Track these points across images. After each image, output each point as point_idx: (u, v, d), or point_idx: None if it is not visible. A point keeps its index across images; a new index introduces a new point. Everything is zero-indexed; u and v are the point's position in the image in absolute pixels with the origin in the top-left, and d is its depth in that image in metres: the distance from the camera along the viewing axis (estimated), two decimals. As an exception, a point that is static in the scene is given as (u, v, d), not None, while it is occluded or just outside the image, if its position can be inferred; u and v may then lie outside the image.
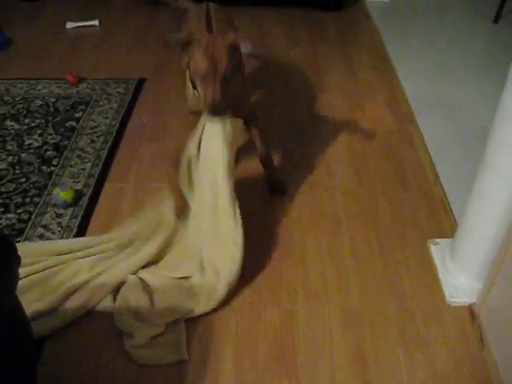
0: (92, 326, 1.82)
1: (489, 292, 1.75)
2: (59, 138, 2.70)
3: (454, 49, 3.63)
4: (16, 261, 1.29)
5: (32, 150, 2.60)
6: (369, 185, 2.43)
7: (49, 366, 1.69)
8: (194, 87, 1.92)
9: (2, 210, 2.25)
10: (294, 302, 1.90)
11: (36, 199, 2.30)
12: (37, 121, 2.82)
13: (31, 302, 1.78)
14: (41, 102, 2.97)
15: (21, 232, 2.14)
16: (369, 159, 2.59)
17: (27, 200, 2.30)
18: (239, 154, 2.33)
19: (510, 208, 1.67)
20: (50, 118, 2.84)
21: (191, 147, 1.96)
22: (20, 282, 1.51)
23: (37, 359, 1.67)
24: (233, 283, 1.88)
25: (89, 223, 2.20)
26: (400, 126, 2.84)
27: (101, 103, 2.98)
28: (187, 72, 2.00)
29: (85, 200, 2.31)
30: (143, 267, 1.98)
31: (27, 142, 2.66)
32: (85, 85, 3.15)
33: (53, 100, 3.00)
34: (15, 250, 1.28)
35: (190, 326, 1.80)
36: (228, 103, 1.79)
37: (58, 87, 3.12)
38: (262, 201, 2.34)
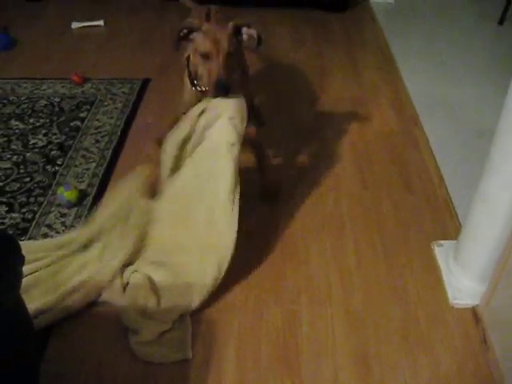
0: (95, 325, 1.82)
1: (492, 294, 1.75)
2: (64, 137, 2.70)
3: (458, 50, 3.63)
4: (20, 260, 1.29)
5: (37, 150, 2.61)
6: (373, 186, 2.43)
7: (52, 363, 1.69)
8: (193, 84, 2.00)
9: (7, 209, 2.25)
10: (297, 303, 1.90)
11: (40, 199, 2.31)
12: (41, 120, 2.83)
13: (32, 299, 1.79)
14: (46, 102, 2.98)
15: (25, 231, 2.14)
16: (373, 161, 2.59)
17: (31, 199, 2.30)
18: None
19: (514, 210, 1.67)
20: (55, 118, 2.85)
21: (183, 128, 1.97)
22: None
23: (40, 357, 1.67)
24: (220, 275, 1.87)
25: (93, 223, 2.20)
26: (404, 128, 2.84)
27: (105, 103, 2.99)
28: (185, 71, 2.06)
29: (89, 200, 2.31)
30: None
31: (32, 142, 2.66)
32: (90, 85, 3.16)
33: (58, 100, 3.01)
34: (19, 249, 1.29)
35: (194, 326, 1.80)
36: (231, 80, 1.89)
37: (63, 87, 3.13)
38: (265, 203, 2.34)
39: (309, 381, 1.67)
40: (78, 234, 2.05)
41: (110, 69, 3.34)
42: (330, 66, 3.42)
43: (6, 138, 2.69)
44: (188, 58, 2.03)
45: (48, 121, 2.83)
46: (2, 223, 2.18)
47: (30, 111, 2.90)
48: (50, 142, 2.66)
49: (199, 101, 1.98)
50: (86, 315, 1.84)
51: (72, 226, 2.17)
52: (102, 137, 2.71)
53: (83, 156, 2.57)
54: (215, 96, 1.90)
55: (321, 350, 1.75)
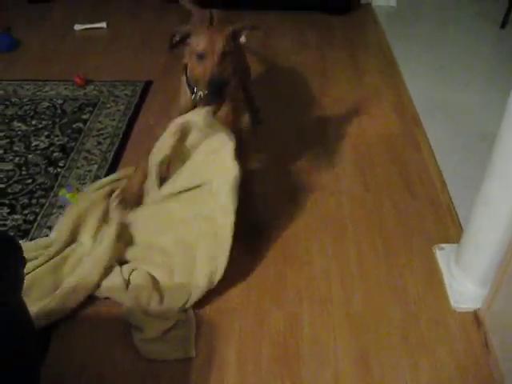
0: (95, 325, 1.82)
1: (494, 298, 1.75)
2: (66, 139, 2.71)
3: (460, 53, 3.63)
4: (21, 262, 1.30)
5: (39, 152, 2.61)
6: (375, 189, 2.43)
7: (52, 365, 1.69)
8: (192, 91, 2.01)
9: (9, 210, 2.26)
10: (298, 305, 1.90)
11: (42, 200, 2.31)
12: (44, 122, 2.84)
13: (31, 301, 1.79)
14: (48, 104, 2.99)
15: (26, 233, 2.15)
16: (375, 163, 2.59)
17: (33, 201, 2.31)
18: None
19: (516, 214, 1.67)
20: (57, 120, 2.86)
21: (171, 134, 2.00)
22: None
23: (42, 360, 1.67)
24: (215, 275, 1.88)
25: (94, 225, 2.20)
26: (406, 130, 2.84)
27: (108, 105, 2.99)
28: (183, 76, 2.07)
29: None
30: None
31: (34, 144, 2.67)
32: (92, 87, 3.16)
33: (60, 102, 3.01)
34: (20, 251, 1.29)
35: (195, 327, 1.80)
36: (226, 80, 1.90)
37: (66, 89, 3.14)
38: (266, 203, 2.34)
39: (309, 382, 1.66)
40: (58, 234, 2.06)
41: (113, 71, 3.35)
42: (331, 68, 3.43)
43: (8, 140, 2.69)
44: (186, 65, 2.04)
45: (50, 123, 2.83)
46: (4, 225, 2.18)
47: (32, 113, 2.91)
48: (52, 144, 2.67)
49: (194, 107, 2.00)
50: (85, 315, 1.84)
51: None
52: (104, 139, 2.71)
53: (85, 158, 2.57)
54: (210, 94, 1.90)
55: (321, 352, 1.75)
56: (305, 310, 1.88)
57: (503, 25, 3.94)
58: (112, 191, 2.22)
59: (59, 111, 2.93)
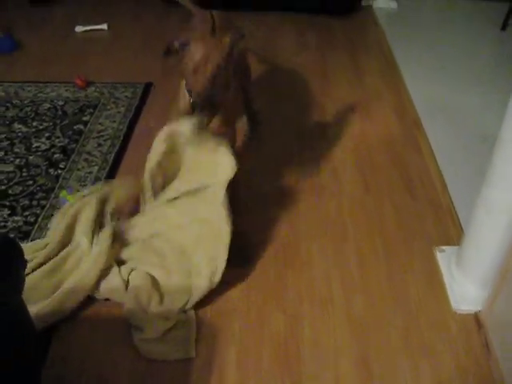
0: (95, 325, 1.82)
1: (494, 300, 1.75)
2: (67, 141, 2.71)
3: (461, 56, 3.63)
4: (22, 263, 1.30)
5: (39, 153, 2.62)
6: (375, 191, 2.43)
7: (52, 366, 1.69)
8: (190, 95, 1.97)
9: (9, 212, 2.26)
10: (298, 308, 1.90)
11: (43, 202, 2.31)
12: (45, 124, 2.84)
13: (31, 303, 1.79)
14: (49, 105, 2.99)
15: (27, 235, 2.15)
16: (375, 165, 2.59)
17: (34, 203, 2.31)
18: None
19: (516, 216, 1.67)
20: (58, 121, 2.86)
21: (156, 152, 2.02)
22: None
23: (43, 361, 1.67)
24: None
25: (95, 226, 2.20)
26: (407, 132, 2.84)
27: (108, 107, 3.00)
28: (182, 82, 2.05)
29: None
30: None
31: (35, 145, 2.67)
32: (93, 88, 3.17)
33: (61, 103, 3.01)
34: (21, 252, 1.29)
35: (196, 328, 1.81)
36: (216, 95, 1.85)
37: (67, 90, 3.14)
38: (267, 206, 2.34)
39: (310, 385, 1.67)
40: (52, 234, 2.07)
41: (114, 72, 3.35)
42: (332, 70, 3.43)
43: (9, 141, 2.69)
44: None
45: (51, 124, 2.84)
46: (4, 226, 2.18)
47: (33, 114, 2.91)
48: (52, 146, 2.67)
49: (193, 111, 2.00)
50: (85, 316, 1.84)
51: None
52: (104, 140, 2.71)
53: (86, 160, 2.58)
54: (198, 108, 1.88)
55: (322, 354, 1.75)
56: (305, 312, 1.89)
57: (504, 27, 3.94)
58: (104, 198, 2.19)
59: (60, 113, 2.93)
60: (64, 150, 2.64)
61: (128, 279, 1.93)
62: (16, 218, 2.23)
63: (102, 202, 2.14)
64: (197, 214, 2.01)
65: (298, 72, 3.39)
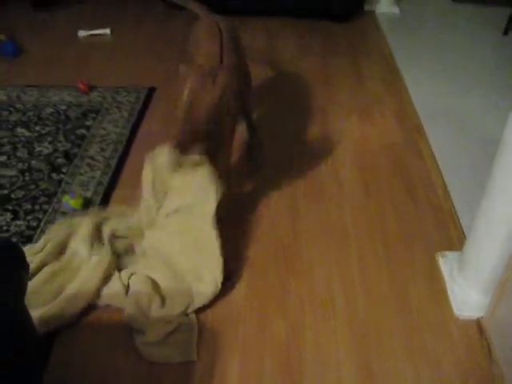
0: (97, 330, 1.82)
1: (496, 306, 1.74)
2: (69, 145, 2.72)
3: (463, 60, 3.64)
4: (24, 267, 1.30)
5: (42, 157, 2.62)
6: (377, 196, 2.43)
7: (54, 371, 1.69)
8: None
9: (12, 216, 2.26)
10: (300, 314, 1.90)
11: (45, 206, 2.32)
12: (47, 128, 2.85)
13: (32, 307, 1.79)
14: (52, 110, 3.00)
15: (29, 239, 2.15)
16: (377, 170, 2.59)
17: (36, 207, 2.31)
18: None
19: (518, 221, 1.67)
20: (61, 126, 2.87)
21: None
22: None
23: (44, 366, 1.68)
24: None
25: (97, 231, 2.20)
26: (408, 137, 2.84)
27: (111, 111, 3.00)
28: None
29: (94, 208, 2.32)
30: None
31: (37, 149, 2.68)
32: (96, 93, 3.17)
33: (64, 108, 3.02)
34: (24, 256, 1.30)
35: (198, 333, 1.81)
36: (195, 145, 1.86)
37: (69, 95, 3.15)
38: (269, 209, 2.34)
39: (312, 391, 1.67)
40: (48, 238, 2.07)
41: (116, 77, 3.36)
42: (334, 75, 3.43)
43: (11, 146, 2.70)
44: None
45: (54, 128, 2.84)
46: (7, 230, 2.19)
47: (35, 119, 2.92)
48: (55, 150, 2.68)
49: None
50: (87, 322, 1.84)
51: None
52: (107, 145, 2.72)
53: (88, 164, 2.58)
54: (181, 151, 1.86)
55: (324, 359, 1.75)
56: (307, 317, 1.88)
57: (506, 31, 3.95)
58: (100, 222, 2.15)
59: (63, 117, 2.94)
60: (67, 155, 2.64)
61: (128, 284, 1.93)
62: (18, 223, 2.23)
63: (98, 226, 2.11)
64: (188, 227, 2.01)
65: (300, 77, 3.40)
